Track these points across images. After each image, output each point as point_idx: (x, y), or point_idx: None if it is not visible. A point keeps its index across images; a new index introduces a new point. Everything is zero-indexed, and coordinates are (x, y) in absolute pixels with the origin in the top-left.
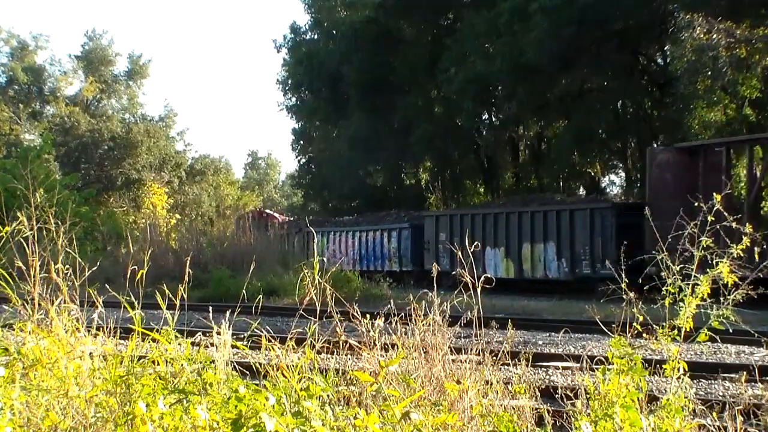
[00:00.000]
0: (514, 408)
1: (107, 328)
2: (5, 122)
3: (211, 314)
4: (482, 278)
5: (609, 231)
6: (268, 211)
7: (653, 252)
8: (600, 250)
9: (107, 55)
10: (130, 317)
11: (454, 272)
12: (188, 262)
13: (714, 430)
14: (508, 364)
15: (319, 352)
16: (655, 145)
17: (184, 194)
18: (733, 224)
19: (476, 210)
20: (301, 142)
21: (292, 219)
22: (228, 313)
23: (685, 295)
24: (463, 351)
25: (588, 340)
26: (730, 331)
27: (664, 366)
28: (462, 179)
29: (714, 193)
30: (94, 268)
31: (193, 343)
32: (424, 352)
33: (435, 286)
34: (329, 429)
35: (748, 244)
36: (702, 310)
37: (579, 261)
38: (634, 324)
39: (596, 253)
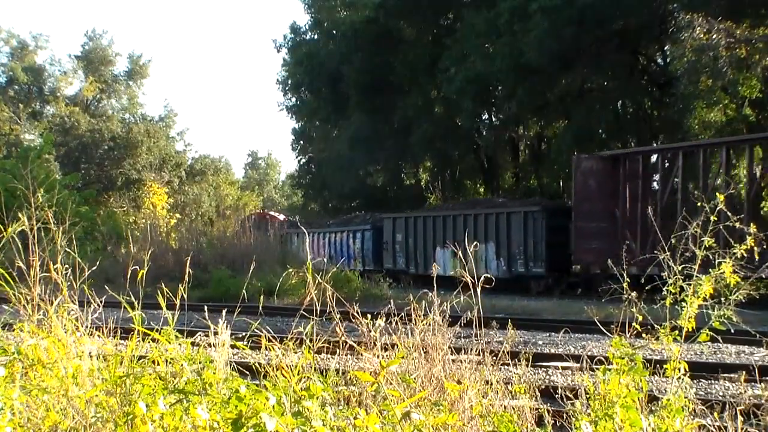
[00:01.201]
0: (514, 408)
1: (107, 328)
2: (5, 122)
3: (206, 313)
4: (482, 278)
5: (540, 232)
6: (272, 213)
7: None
8: (532, 250)
9: (107, 55)
10: (130, 317)
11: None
12: (188, 262)
13: (714, 430)
14: (508, 364)
15: (319, 352)
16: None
17: (184, 194)
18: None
19: (428, 213)
20: (301, 142)
21: (292, 219)
22: (224, 312)
23: (687, 295)
24: (463, 351)
25: (588, 340)
26: (732, 331)
27: (664, 366)
28: (462, 179)
29: (717, 194)
30: (94, 268)
31: (193, 343)
32: (424, 352)
33: (435, 286)
34: (329, 429)
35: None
36: (703, 310)
37: (515, 260)
38: (634, 324)
39: (529, 253)
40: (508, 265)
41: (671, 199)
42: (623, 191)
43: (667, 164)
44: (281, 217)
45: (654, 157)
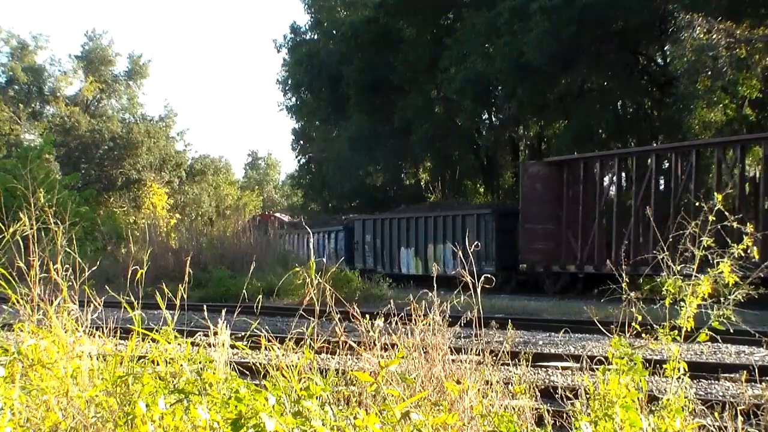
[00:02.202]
0: (514, 408)
1: (107, 328)
2: (5, 122)
3: (206, 313)
4: (482, 279)
5: (491, 233)
6: (277, 214)
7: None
8: (484, 250)
9: (107, 55)
10: (130, 317)
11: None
12: (188, 262)
13: (714, 430)
14: (508, 364)
15: (318, 352)
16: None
17: (184, 194)
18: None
19: (393, 215)
20: (301, 142)
21: (296, 221)
22: (224, 312)
23: (686, 295)
24: (463, 351)
25: (588, 340)
26: (731, 331)
27: (664, 366)
28: (462, 179)
29: (716, 193)
30: (94, 268)
31: (192, 343)
32: (424, 352)
33: (435, 286)
34: (329, 429)
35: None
36: (702, 310)
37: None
38: (633, 324)
39: (481, 253)
40: (462, 265)
41: (609, 202)
42: (566, 195)
43: (604, 169)
44: (286, 218)
45: (597, 163)
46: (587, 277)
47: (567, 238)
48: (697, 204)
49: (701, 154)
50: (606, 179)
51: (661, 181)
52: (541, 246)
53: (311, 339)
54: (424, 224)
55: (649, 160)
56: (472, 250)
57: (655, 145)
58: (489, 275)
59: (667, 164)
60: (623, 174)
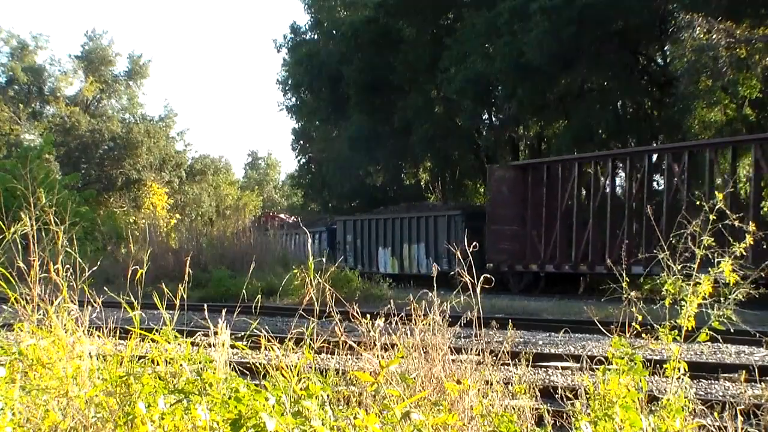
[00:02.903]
0: (514, 408)
1: (107, 328)
2: (5, 122)
3: (206, 313)
4: (482, 278)
5: (460, 234)
6: (281, 215)
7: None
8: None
9: (107, 55)
10: (130, 317)
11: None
12: (188, 262)
13: (714, 430)
14: (508, 364)
15: (318, 352)
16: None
17: (184, 194)
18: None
19: (371, 216)
20: (301, 142)
21: (291, 221)
22: (224, 312)
23: (686, 295)
24: (463, 351)
25: (588, 340)
26: (731, 330)
27: (664, 366)
28: (462, 179)
29: (716, 192)
30: (94, 268)
31: (192, 343)
32: (424, 352)
33: (435, 286)
34: (329, 429)
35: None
36: (703, 310)
37: (441, 258)
38: (634, 324)
39: (451, 252)
40: (436, 264)
41: (570, 204)
42: (531, 198)
43: (565, 173)
44: (292, 219)
45: (559, 167)
46: (548, 276)
47: (531, 238)
48: (650, 207)
49: (657, 158)
50: (565, 182)
51: (620, 185)
52: (506, 246)
53: (311, 339)
54: (400, 225)
55: (607, 164)
56: (470, 248)
57: (613, 150)
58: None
59: (622, 169)
60: (583, 178)
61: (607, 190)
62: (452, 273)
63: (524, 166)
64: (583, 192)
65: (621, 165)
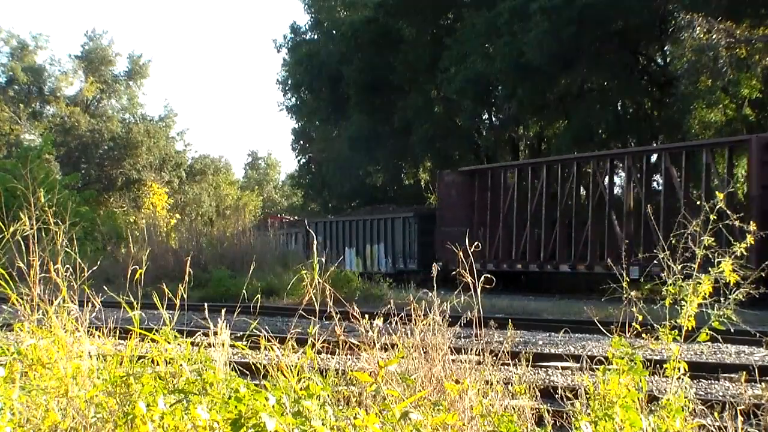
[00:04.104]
0: (514, 408)
1: (107, 328)
2: (5, 122)
3: (206, 313)
4: (482, 278)
5: (413, 235)
6: (288, 217)
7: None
8: (408, 249)
9: (107, 55)
10: (130, 317)
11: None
12: (188, 262)
13: (714, 430)
14: (508, 364)
15: (318, 352)
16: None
17: (184, 194)
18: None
19: (338, 218)
20: (301, 142)
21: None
22: (224, 312)
23: (686, 295)
24: (463, 351)
25: (588, 340)
26: (732, 330)
27: (664, 366)
28: None
29: (717, 192)
30: (94, 268)
31: (192, 343)
32: (424, 352)
33: (435, 285)
34: (329, 429)
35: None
36: (703, 310)
37: (398, 258)
38: (634, 324)
39: (406, 252)
40: (393, 263)
41: (511, 208)
42: (477, 201)
43: (508, 178)
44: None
45: (502, 173)
46: (491, 273)
47: (477, 239)
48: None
49: (584, 166)
50: (508, 187)
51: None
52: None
53: (312, 338)
54: (363, 227)
55: (541, 171)
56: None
57: (547, 158)
58: (414, 272)
59: (560, 173)
60: (524, 182)
61: (543, 194)
62: (408, 271)
63: (472, 172)
64: (523, 196)
65: (554, 170)
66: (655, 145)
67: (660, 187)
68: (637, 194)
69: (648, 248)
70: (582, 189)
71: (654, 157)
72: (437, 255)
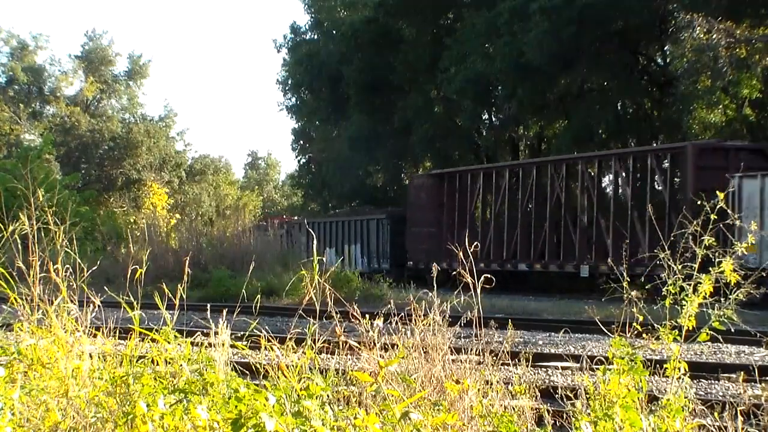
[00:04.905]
0: (514, 408)
1: (107, 328)
2: (5, 122)
3: (209, 313)
4: (482, 278)
5: (386, 235)
6: (295, 218)
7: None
8: (382, 250)
9: (107, 55)
10: (130, 317)
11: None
12: (188, 262)
13: (714, 430)
14: (508, 364)
15: (319, 352)
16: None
17: (184, 194)
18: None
19: (320, 219)
20: (301, 142)
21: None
22: (225, 312)
23: (687, 295)
24: (463, 351)
25: (588, 340)
26: (732, 330)
27: (664, 366)
28: None
29: (717, 192)
30: (94, 268)
31: (192, 343)
32: (424, 352)
33: (435, 285)
34: (329, 429)
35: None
36: (703, 309)
37: (372, 257)
38: (634, 324)
39: (380, 252)
40: (368, 262)
41: (476, 209)
42: (446, 203)
43: (474, 181)
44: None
45: (468, 176)
46: (454, 272)
47: (446, 239)
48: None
49: (543, 170)
50: (474, 190)
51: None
52: (424, 246)
53: (312, 338)
54: (341, 227)
55: (505, 174)
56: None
57: (509, 162)
58: (387, 271)
59: (521, 177)
60: (487, 186)
61: (506, 197)
62: (381, 270)
63: (441, 175)
64: (487, 199)
65: (515, 174)
66: (606, 151)
67: (610, 191)
68: (590, 197)
69: (600, 248)
70: (540, 193)
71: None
72: (408, 255)
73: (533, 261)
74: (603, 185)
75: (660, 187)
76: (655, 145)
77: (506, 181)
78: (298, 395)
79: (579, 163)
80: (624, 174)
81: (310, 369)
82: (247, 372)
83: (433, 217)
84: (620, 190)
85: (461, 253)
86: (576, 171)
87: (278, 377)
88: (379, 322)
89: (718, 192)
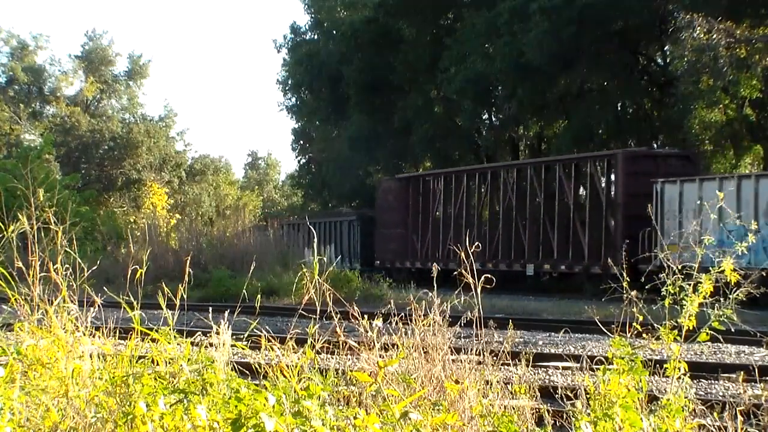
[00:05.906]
0: (514, 408)
1: (107, 328)
2: (5, 122)
3: (210, 314)
4: (483, 278)
5: (357, 236)
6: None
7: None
8: (353, 250)
9: (107, 55)
10: (130, 317)
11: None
12: (188, 262)
13: (714, 430)
14: (508, 364)
15: (318, 352)
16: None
17: (184, 194)
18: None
19: (299, 221)
20: (301, 142)
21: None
22: (226, 313)
23: (687, 295)
24: (463, 351)
25: (588, 340)
26: (732, 330)
27: (664, 366)
28: None
29: (719, 191)
30: (94, 268)
31: (192, 343)
32: (424, 352)
33: (435, 285)
34: (329, 429)
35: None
36: (703, 309)
37: (345, 257)
38: (634, 324)
39: (352, 252)
40: (342, 262)
41: (438, 212)
42: (411, 206)
43: (437, 185)
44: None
45: (431, 180)
46: (417, 271)
47: (411, 240)
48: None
49: (496, 174)
50: (436, 193)
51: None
52: (392, 246)
53: (312, 338)
54: (318, 228)
55: (463, 179)
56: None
57: (466, 167)
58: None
59: (477, 181)
60: (447, 189)
61: (464, 200)
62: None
63: (407, 179)
64: (448, 201)
65: (472, 179)
66: (552, 157)
67: (556, 194)
68: (538, 201)
69: (546, 247)
70: (495, 196)
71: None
72: (377, 255)
73: (486, 260)
74: (550, 190)
75: (598, 192)
76: (594, 152)
77: (464, 184)
78: (298, 395)
79: (528, 168)
80: (566, 179)
81: (310, 369)
82: (248, 372)
83: (399, 219)
84: (564, 194)
85: (421, 253)
86: (525, 176)
87: (278, 377)
88: (378, 322)
89: (718, 191)
